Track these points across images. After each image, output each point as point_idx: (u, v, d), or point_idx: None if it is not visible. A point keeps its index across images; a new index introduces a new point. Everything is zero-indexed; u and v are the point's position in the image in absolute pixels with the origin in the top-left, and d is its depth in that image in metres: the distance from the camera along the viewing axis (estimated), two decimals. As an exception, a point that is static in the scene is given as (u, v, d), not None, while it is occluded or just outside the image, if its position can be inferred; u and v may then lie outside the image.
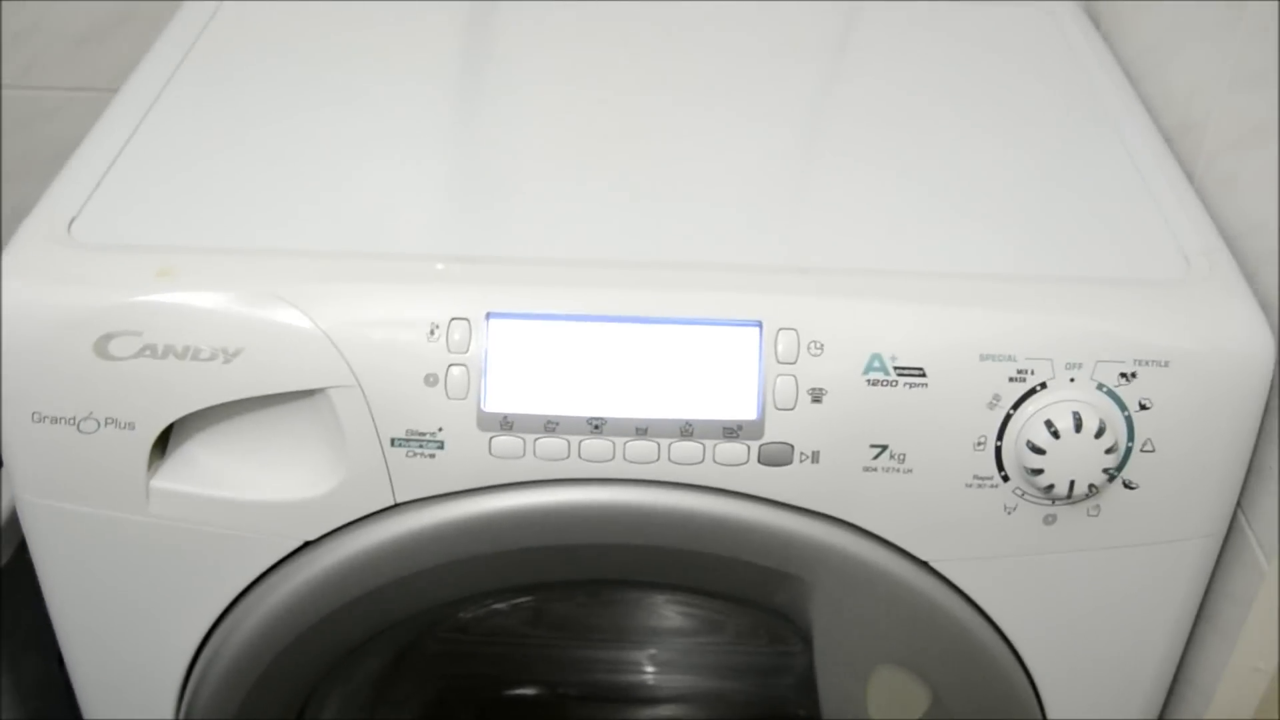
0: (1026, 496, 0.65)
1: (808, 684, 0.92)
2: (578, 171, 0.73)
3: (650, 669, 0.94)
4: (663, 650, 0.93)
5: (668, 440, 0.63)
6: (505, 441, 0.63)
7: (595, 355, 0.63)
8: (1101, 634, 0.70)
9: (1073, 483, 0.62)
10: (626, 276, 0.64)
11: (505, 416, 0.63)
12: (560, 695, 0.94)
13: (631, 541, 0.65)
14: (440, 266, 0.64)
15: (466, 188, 0.72)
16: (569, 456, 0.63)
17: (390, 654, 0.81)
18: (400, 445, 0.63)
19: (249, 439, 0.66)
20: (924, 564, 0.67)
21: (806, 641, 0.69)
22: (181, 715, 0.72)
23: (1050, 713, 0.73)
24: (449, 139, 0.77)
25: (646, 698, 0.95)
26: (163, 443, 0.67)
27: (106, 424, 0.64)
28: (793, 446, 0.63)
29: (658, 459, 0.63)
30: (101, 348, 0.62)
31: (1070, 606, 0.69)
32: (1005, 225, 0.69)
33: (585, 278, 0.64)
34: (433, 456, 0.64)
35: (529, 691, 0.94)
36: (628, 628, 0.92)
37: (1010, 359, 0.62)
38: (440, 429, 0.63)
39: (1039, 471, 0.62)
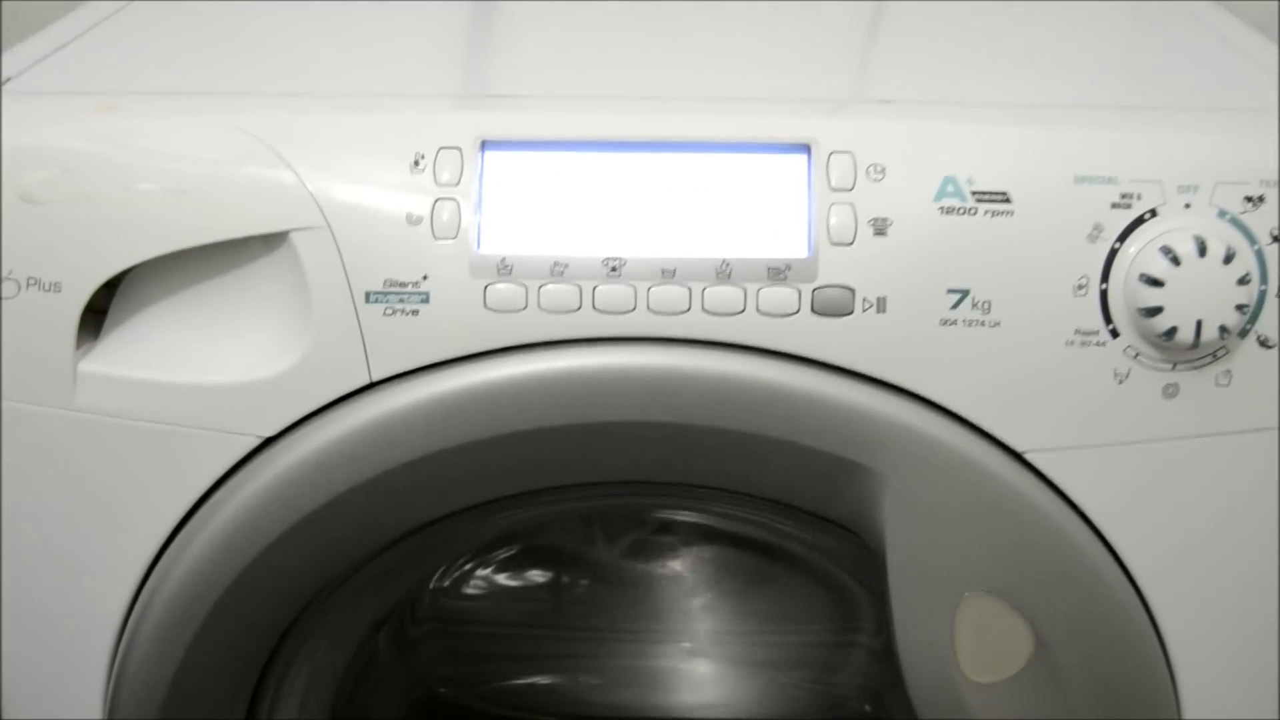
0: (1141, 358, 0.53)
1: (871, 677, 0.78)
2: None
3: (682, 658, 0.80)
4: (697, 637, 0.79)
5: (700, 284, 0.52)
6: (503, 291, 0.52)
7: (611, 188, 0.52)
8: (1237, 554, 0.57)
9: (1199, 324, 0.51)
10: (646, 103, 0.54)
11: (503, 260, 0.52)
12: (577, 682, 0.79)
13: (658, 419, 0.53)
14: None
15: (458, 28, 0.63)
16: (580, 308, 0.52)
17: (368, 622, 0.67)
18: (377, 301, 0.52)
19: (197, 310, 0.55)
20: (1019, 457, 0.54)
21: (879, 565, 0.56)
22: (115, 668, 0.58)
23: (1179, 668, 0.58)
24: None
25: (678, 686, 0.80)
26: (96, 327, 0.56)
27: (28, 285, 0.54)
28: (853, 291, 0.52)
29: (688, 309, 0.52)
30: (26, 191, 0.52)
31: (1198, 516, 0.56)
32: (1097, 60, 0.59)
33: (597, 103, 0.54)
34: (415, 313, 0.53)
35: (538, 680, 0.79)
36: (659, 609, 0.78)
37: (1111, 181, 0.52)
38: (425, 277, 0.52)
39: (1156, 311, 0.51)
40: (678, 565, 0.79)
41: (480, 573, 0.77)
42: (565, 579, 0.77)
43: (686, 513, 0.70)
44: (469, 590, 0.77)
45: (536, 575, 0.77)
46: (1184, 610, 0.57)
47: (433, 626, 0.78)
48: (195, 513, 0.57)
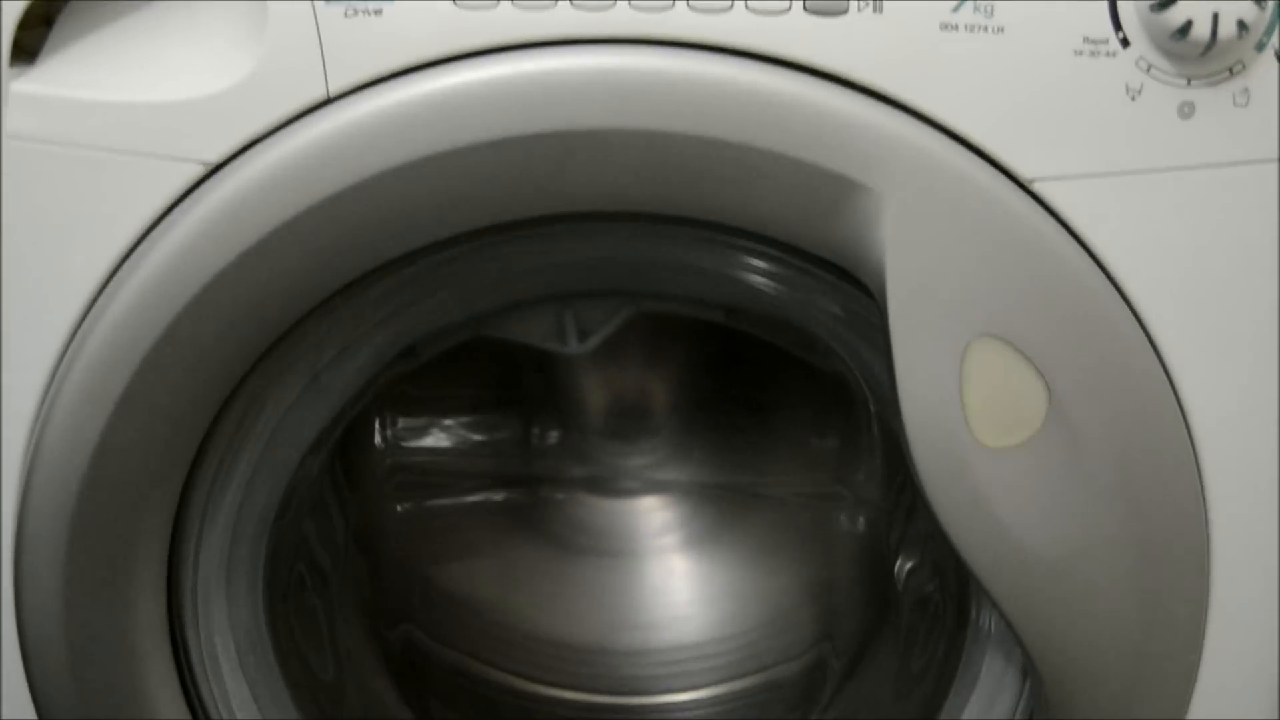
0: (1154, 71, 0.50)
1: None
2: None
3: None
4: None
5: (684, -26, 0.48)
6: (475, -22, 0.48)
7: None
8: (1259, 299, 0.53)
9: (1216, 16, 0.47)
10: None
11: (475, -51, 0.48)
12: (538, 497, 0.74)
13: (639, 125, 0.48)
14: None
15: None
16: (556, 2, 0.48)
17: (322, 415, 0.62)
18: (337, -1, 0.48)
19: (142, 23, 0.51)
20: (1025, 187, 0.51)
21: (880, 309, 0.51)
22: (34, 433, 0.53)
23: (1198, 432, 0.54)
24: None
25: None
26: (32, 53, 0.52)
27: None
28: (847, -15, 0.48)
29: (672, 4, 0.48)
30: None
31: (1215, 256, 0.52)
32: None
33: None
34: (379, 13, 0.49)
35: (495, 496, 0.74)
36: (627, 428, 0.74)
37: None
38: (389, -35, 0.48)
39: (1168, 4, 0.47)
40: (650, 373, 0.75)
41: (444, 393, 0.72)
42: (532, 387, 0.74)
43: (665, 302, 0.66)
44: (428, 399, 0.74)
45: (502, 390, 0.73)
46: (1201, 362, 0.53)
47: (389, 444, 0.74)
48: (133, 252, 0.51)
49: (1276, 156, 0.51)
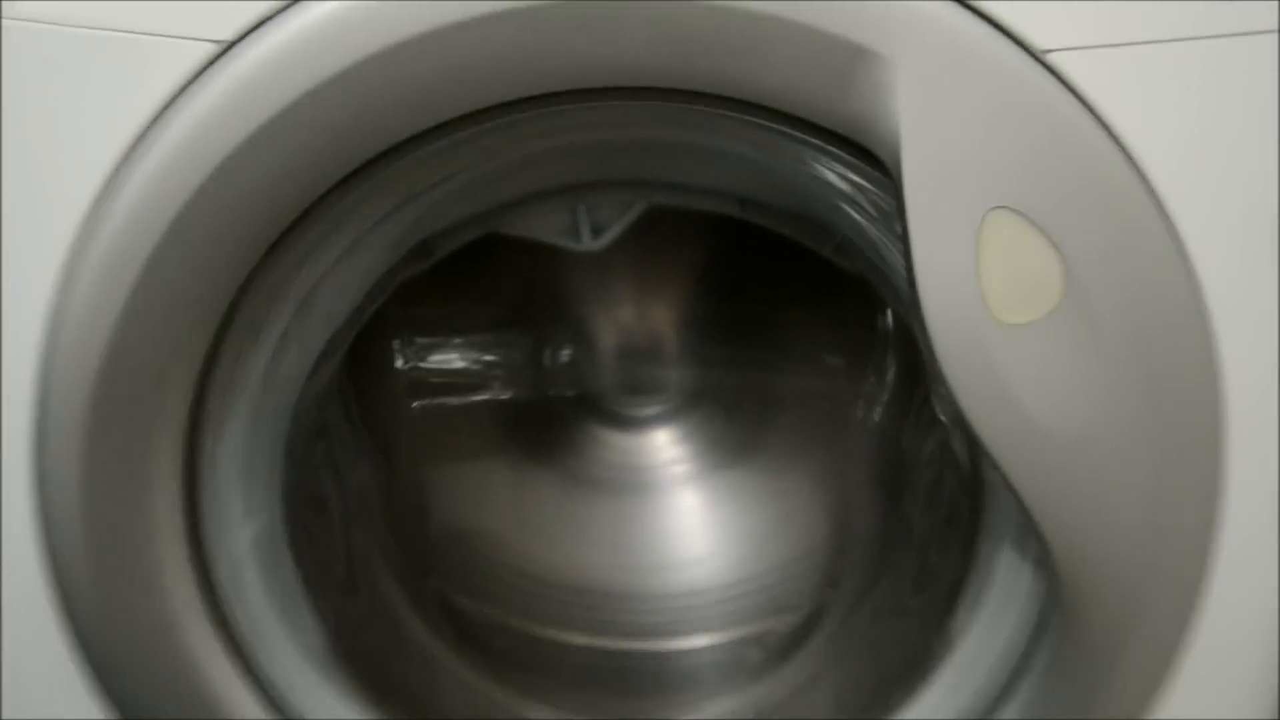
0: (1169, -61, 0.49)
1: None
2: None
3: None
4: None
5: None
6: None
7: None
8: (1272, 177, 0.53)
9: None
10: None
11: None
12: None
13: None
14: None
15: None
16: None
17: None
18: None
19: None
20: (1039, 58, 0.51)
21: (894, 180, 0.51)
22: (55, 312, 0.53)
23: (1215, 313, 0.54)
24: None
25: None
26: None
27: None
28: None
29: None
30: None
31: (1235, 133, 0.52)
32: None
33: None
34: (389, -116, 0.48)
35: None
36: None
37: None
38: None
39: None
40: (662, 279, 0.76)
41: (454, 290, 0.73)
42: (542, 302, 0.74)
43: (678, 193, 0.65)
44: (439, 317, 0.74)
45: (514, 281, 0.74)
46: (1216, 238, 0.53)
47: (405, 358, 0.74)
48: (148, 131, 0.51)
49: (1293, 25, 0.51)
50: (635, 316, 0.83)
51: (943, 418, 0.68)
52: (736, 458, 0.85)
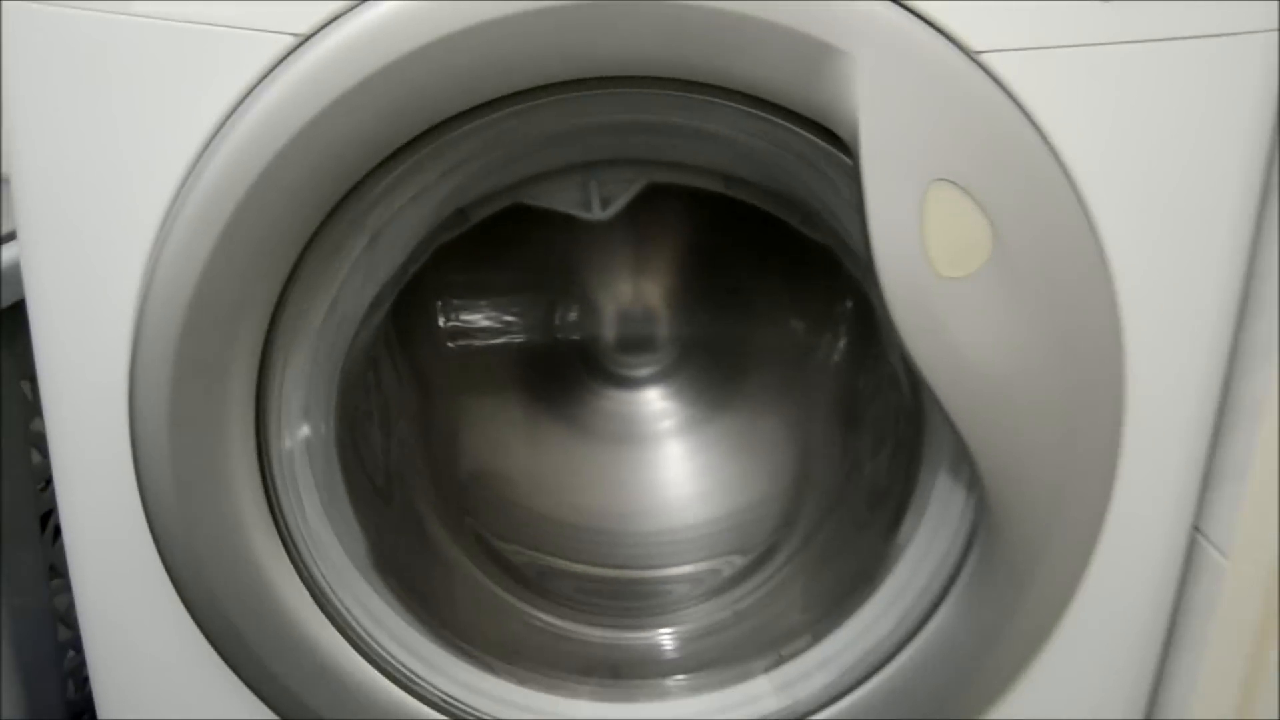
0: (1082, -41, 0.60)
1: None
2: None
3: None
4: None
5: None
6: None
7: None
8: (1174, 161, 0.64)
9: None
10: None
11: None
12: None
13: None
14: None
15: None
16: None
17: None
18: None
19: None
20: (973, 58, 0.62)
21: (853, 155, 0.62)
22: (149, 268, 0.63)
23: (1117, 274, 0.65)
24: None
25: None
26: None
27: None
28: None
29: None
30: None
31: (1135, 121, 0.63)
32: None
33: None
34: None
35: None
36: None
37: None
38: None
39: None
40: (658, 250, 0.87)
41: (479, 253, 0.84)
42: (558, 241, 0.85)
43: (674, 171, 0.77)
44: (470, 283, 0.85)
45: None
46: (1118, 210, 0.64)
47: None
48: (237, 108, 0.62)
49: (1197, 35, 0.62)
50: (631, 284, 0.94)
51: (891, 361, 0.79)
52: (716, 411, 0.97)
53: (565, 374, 0.96)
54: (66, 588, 0.89)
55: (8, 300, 0.80)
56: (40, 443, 0.90)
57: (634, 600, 0.88)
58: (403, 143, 0.63)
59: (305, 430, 0.70)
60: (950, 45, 0.62)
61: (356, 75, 0.60)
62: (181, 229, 0.62)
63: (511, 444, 0.95)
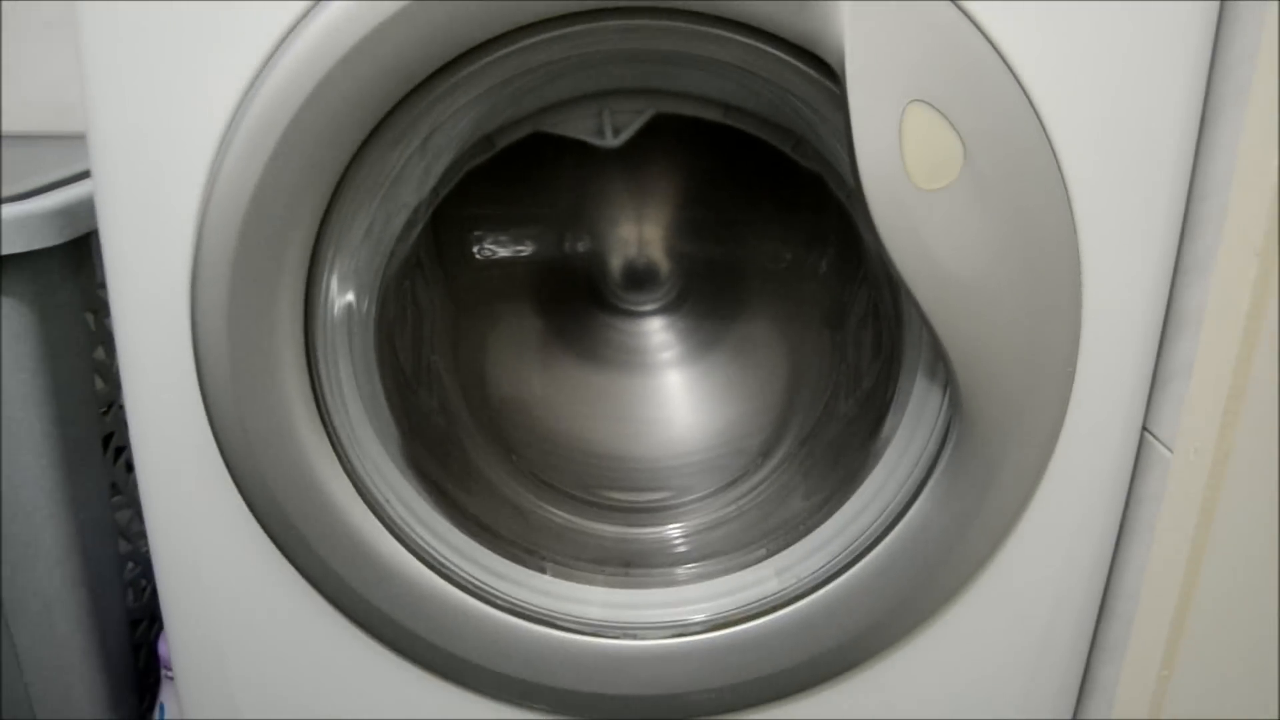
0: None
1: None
2: None
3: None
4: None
5: None
6: None
7: None
8: (1137, 102, 0.72)
9: None
10: None
11: None
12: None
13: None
14: None
15: None
16: None
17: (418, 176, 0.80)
18: None
19: None
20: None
21: (839, 79, 0.70)
22: (211, 178, 0.70)
23: (1074, 192, 0.73)
24: None
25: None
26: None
27: None
28: None
29: None
30: None
31: (1088, 51, 0.71)
32: None
33: None
34: None
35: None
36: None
37: None
38: None
39: None
40: (662, 178, 0.95)
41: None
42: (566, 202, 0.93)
43: (678, 100, 0.85)
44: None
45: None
46: (1073, 131, 0.72)
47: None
48: (284, 41, 0.69)
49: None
50: (634, 217, 1.03)
51: (872, 277, 0.87)
52: (713, 342, 1.05)
53: (575, 308, 1.04)
54: (125, 505, 0.96)
55: (70, 235, 0.87)
56: (102, 370, 0.97)
57: (643, 517, 0.96)
58: (435, 68, 0.70)
59: (348, 329, 0.78)
60: (925, -16, 0.69)
61: (392, 6, 0.68)
62: (237, 148, 0.70)
63: (529, 375, 1.03)
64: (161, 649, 1.05)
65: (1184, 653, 0.78)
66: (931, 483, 0.79)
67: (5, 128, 1.25)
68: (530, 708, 0.83)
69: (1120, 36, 0.71)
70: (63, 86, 1.25)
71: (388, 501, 0.78)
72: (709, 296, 1.05)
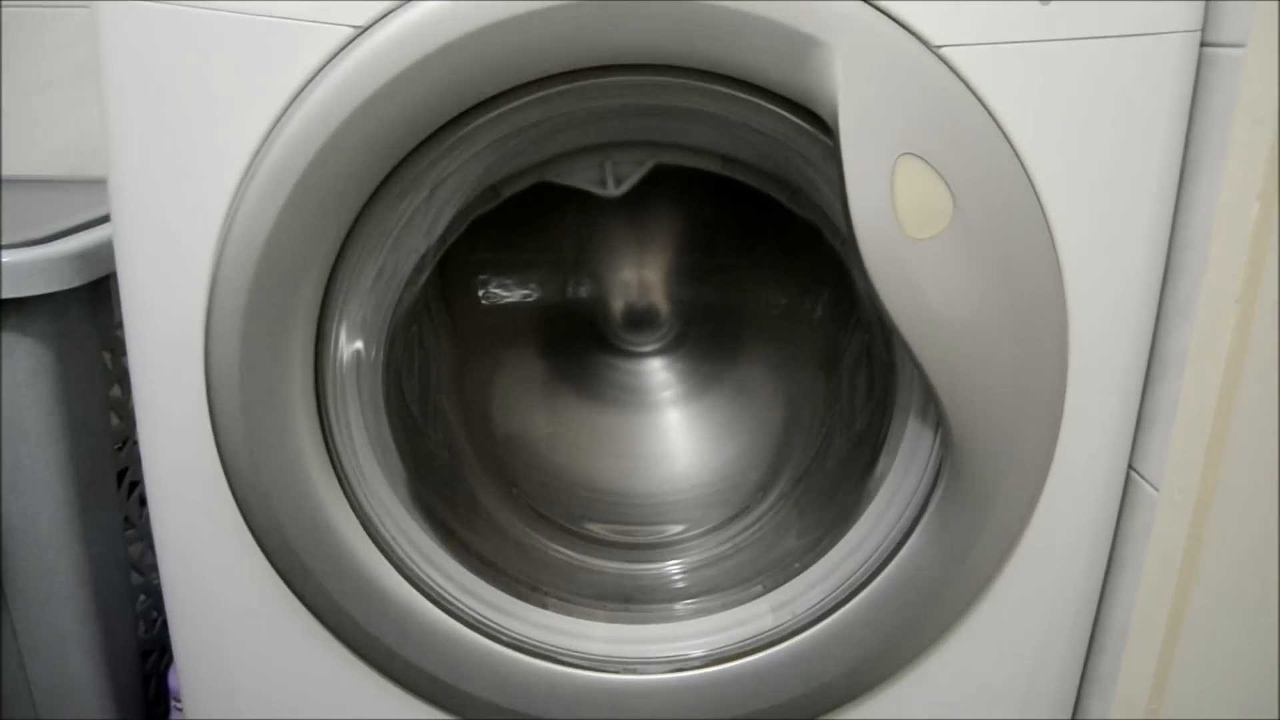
0: (1026, -33, 0.71)
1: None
2: None
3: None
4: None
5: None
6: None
7: None
8: (1118, 149, 0.74)
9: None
10: None
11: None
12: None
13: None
14: None
15: None
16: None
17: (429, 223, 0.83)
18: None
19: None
20: (935, 52, 0.72)
21: (833, 133, 0.72)
22: (222, 233, 0.73)
23: (1059, 238, 0.76)
24: None
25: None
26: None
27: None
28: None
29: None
30: None
31: (1078, 111, 0.74)
32: None
33: None
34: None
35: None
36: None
37: None
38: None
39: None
40: (662, 228, 0.98)
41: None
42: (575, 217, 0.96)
43: (678, 153, 0.87)
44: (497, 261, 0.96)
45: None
46: (1060, 183, 0.75)
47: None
48: (302, 91, 0.72)
49: (1134, 33, 0.73)
50: (636, 263, 1.05)
51: (866, 323, 0.89)
52: (713, 379, 1.07)
53: (578, 349, 1.07)
54: (138, 539, 0.99)
55: (90, 278, 0.90)
56: (117, 407, 1.00)
57: (644, 536, 0.98)
58: (444, 122, 0.73)
59: (356, 374, 0.80)
60: (914, 39, 0.72)
61: (405, 61, 0.71)
62: (253, 195, 0.73)
63: (533, 414, 1.05)
64: (172, 681, 1.07)
65: (1172, 687, 0.80)
66: (924, 521, 0.81)
67: (32, 172, 1.29)
68: (532, 740, 0.85)
69: (1103, 93, 0.74)
70: (89, 134, 1.29)
71: (395, 539, 0.80)
72: (708, 339, 1.07)
